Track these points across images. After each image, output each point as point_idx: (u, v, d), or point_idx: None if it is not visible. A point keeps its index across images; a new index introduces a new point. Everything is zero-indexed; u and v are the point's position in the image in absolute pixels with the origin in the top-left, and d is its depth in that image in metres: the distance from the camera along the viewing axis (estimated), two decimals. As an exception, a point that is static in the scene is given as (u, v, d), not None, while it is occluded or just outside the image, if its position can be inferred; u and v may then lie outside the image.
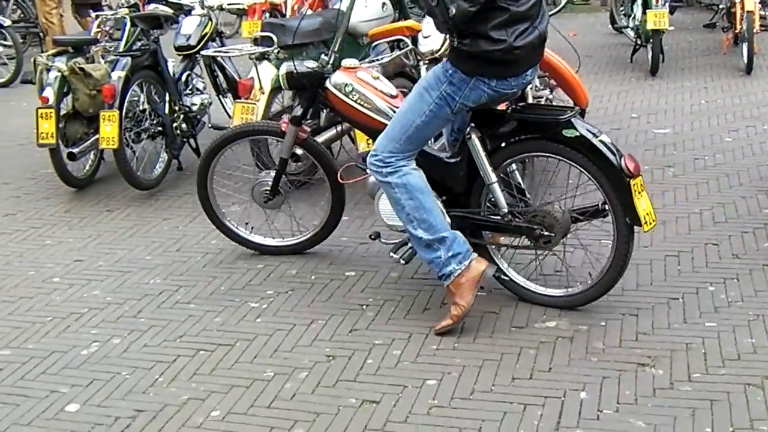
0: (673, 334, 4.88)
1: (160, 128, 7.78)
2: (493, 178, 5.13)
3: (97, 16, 8.49)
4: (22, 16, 15.34)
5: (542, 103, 7.37)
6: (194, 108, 8.11)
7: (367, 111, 5.52)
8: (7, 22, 13.48)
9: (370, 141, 5.77)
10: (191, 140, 8.04)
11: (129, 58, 7.52)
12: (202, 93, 8.31)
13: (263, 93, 6.98)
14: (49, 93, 7.49)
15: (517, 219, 5.19)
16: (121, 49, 8.02)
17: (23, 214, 7.42)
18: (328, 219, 6.11)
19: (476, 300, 5.07)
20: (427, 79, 5.05)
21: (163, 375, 4.76)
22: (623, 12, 12.50)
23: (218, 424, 4.29)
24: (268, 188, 6.09)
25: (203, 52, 8.02)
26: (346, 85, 5.57)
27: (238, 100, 7.12)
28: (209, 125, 8.45)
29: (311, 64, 5.79)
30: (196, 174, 6.25)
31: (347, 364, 4.76)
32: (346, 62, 5.68)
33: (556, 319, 5.08)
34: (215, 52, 7.85)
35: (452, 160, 5.33)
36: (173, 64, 8.12)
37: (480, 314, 5.15)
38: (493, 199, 5.23)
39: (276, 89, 7.05)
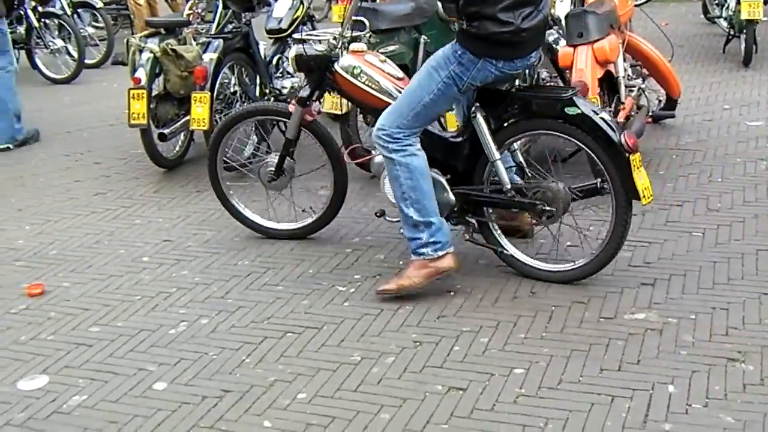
0: (765, 330, 4.78)
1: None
2: (497, 155, 5.31)
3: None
4: (112, -3, 15.54)
5: (634, 92, 7.29)
6: (284, 91, 8.11)
7: (374, 92, 5.65)
8: (99, 4, 13.67)
9: (459, 124, 5.81)
10: (281, 123, 8.04)
11: (221, 41, 7.58)
12: (292, 76, 8.32)
13: (354, 77, 6.96)
14: (141, 74, 7.55)
15: (519, 195, 5.39)
16: (212, 32, 8.07)
17: (113, 194, 7.50)
18: (331, 202, 6.18)
19: (564, 289, 5.07)
20: (437, 58, 5.22)
21: (250, 356, 4.78)
22: (716, 2, 12.29)
23: (304, 406, 4.29)
24: (273, 169, 6.18)
25: (294, 36, 8.02)
26: (355, 67, 5.70)
27: (329, 85, 7.11)
28: (299, 109, 8.41)
29: (320, 48, 5.98)
30: (208, 154, 6.43)
31: (434, 350, 4.74)
32: (355, 46, 5.84)
33: (645, 310, 5.01)
34: (307, 35, 7.84)
35: (457, 140, 5.52)
36: (264, 46, 8.15)
37: (568, 304, 5.11)
38: (496, 177, 5.39)
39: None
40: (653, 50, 7.60)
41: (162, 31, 7.94)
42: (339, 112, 6.94)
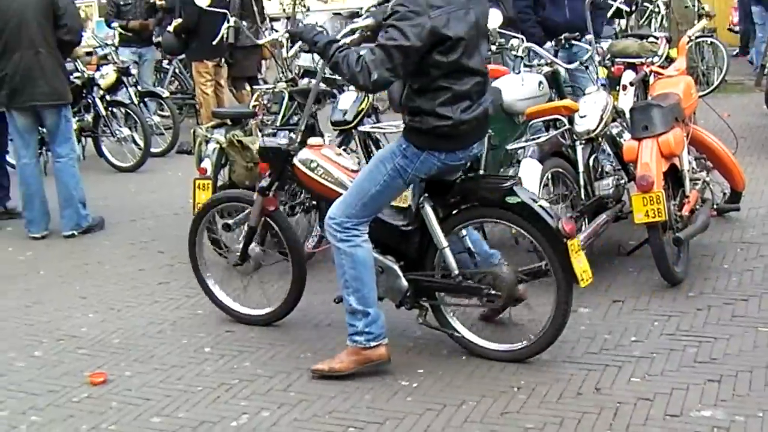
0: (837, 429, 4.69)
1: (314, 202, 7.82)
2: (445, 243, 5.57)
3: (254, 90, 8.63)
4: (179, 87, 15.80)
5: (699, 185, 7.25)
6: (351, 182, 8.12)
7: (329, 184, 5.93)
8: (166, 93, 13.89)
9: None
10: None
11: (287, 132, 7.61)
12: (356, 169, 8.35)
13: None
14: (207, 164, 7.65)
15: (467, 280, 5.60)
16: (278, 123, 8.15)
17: (177, 283, 7.55)
18: (289, 292, 6.38)
19: (630, 386, 5.03)
20: (384, 151, 5.61)
21: (312, 450, 4.75)
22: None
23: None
24: (238, 254, 6.40)
25: (360, 128, 8.07)
26: (311, 161, 5.98)
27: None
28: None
29: (282, 141, 6.24)
30: (188, 239, 6.70)
31: (498, 447, 4.69)
32: (312, 140, 6.10)
33: (712, 408, 4.92)
34: (372, 128, 7.90)
35: (408, 228, 5.78)
36: (329, 138, 8.18)
37: (633, 400, 5.04)
38: (445, 263, 5.62)
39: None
40: (717, 142, 7.58)
41: (228, 122, 8.04)
42: (403, 205, 6.93)
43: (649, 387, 5.20)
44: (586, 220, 6.83)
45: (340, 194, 5.68)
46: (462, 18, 5.19)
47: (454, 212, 5.63)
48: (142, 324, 6.72)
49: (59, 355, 6.29)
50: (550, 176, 6.78)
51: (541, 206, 5.41)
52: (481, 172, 6.85)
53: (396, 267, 5.74)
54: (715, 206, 7.72)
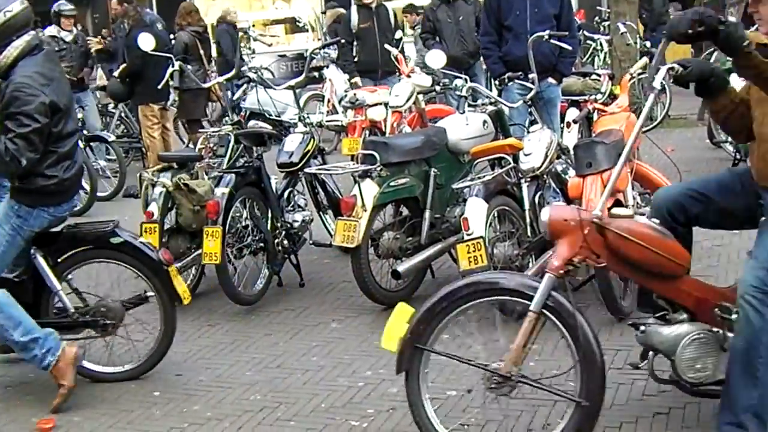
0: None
1: (262, 244, 7.83)
2: (58, 286, 6.17)
3: (201, 133, 8.63)
4: (125, 131, 15.72)
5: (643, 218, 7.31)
6: (296, 225, 8.17)
7: None
8: (112, 137, 13.81)
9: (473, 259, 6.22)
10: (292, 256, 8.08)
11: (233, 175, 7.62)
12: (303, 210, 8.37)
13: (365, 210, 7.01)
14: (154, 208, 7.64)
15: (84, 316, 6.23)
16: (224, 166, 8.16)
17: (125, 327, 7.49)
18: (161, 340, 6.45)
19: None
20: None
21: (263, 494, 4.74)
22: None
23: None
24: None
25: (307, 170, 8.09)
26: None
27: (340, 218, 7.15)
28: (310, 242, 8.50)
29: None
30: None
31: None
32: None
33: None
34: (319, 169, 7.92)
35: (19, 278, 6.22)
36: (276, 180, 8.21)
37: None
38: (61, 304, 6.26)
39: (378, 207, 7.11)
40: (661, 177, 7.64)
41: (174, 165, 8.03)
42: (351, 245, 6.98)
43: (599, 421, 5.21)
44: (533, 256, 6.88)
45: None
46: (63, 89, 5.97)
47: (63, 258, 6.24)
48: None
49: (6, 402, 6.22)
50: (496, 214, 6.84)
51: (141, 242, 6.33)
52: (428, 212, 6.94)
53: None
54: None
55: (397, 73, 13.10)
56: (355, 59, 13.71)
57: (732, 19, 4.00)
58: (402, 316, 4.81)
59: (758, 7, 4.57)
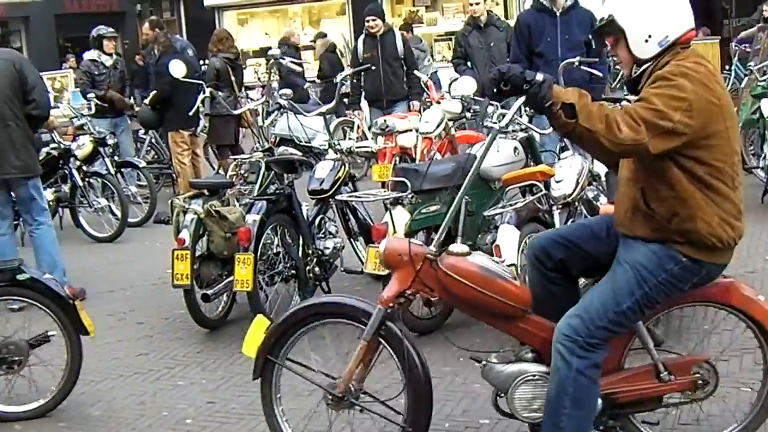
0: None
1: (293, 271, 7.84)
2: None
3: (233, 160, 8.65)
4: (155, 157, 15.80)
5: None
6: (327, 251, 8.16)
7: None
8: (143, 163, 13.89)
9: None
10: (323, 283, 8.08)
11: (265, 202, 7.64)
12: (334, 237, 8.38)
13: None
14: (185, 235, 7.65)
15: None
16: (255, 193, 8.17)
17: (156, 354, 7.52)
18: (66, 379, 6.47)
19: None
20: None
21: None
22: (753, 152, 12.35)
23: None
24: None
25: (338, 197, 8.10)
26: None
27: (371, 245, 7.16)
28: (341, 269, 8.48)
29: None
30: None
31: None
32: None
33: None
34: (350, 197, 7.93)
35: None
36: (307, 207, 8.22)
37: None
38: None
39: (409, 234, 7.10)
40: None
41: (206, 192, 8.05)
42: (382, 273, 6.97)
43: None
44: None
45: None
46: None
47: None
48: (122, 396, 6.69)
49: (38, 429, 6.25)
50: (527, 241, 6.81)
51: (47, 278, 6.42)
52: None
53: None
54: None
55: (406, 100, 13.22)
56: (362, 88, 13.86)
57: (539, 77, 4.05)
58: (260, 326, 5.17)
59: (617, 50, 4.62)
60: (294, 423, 5.42)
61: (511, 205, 6.90)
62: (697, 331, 6.77)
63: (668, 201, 4.45)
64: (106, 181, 12.59)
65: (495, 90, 4.41)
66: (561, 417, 4.56)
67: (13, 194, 9.32)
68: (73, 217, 12.79)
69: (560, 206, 7.00)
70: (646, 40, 4.48)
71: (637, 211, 4.54)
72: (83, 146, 12.49)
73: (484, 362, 4.90)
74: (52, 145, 12.25)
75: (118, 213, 12.42)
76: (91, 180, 12.63)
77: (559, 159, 7.53)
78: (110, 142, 13.01)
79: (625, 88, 4.42)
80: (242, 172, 8.68)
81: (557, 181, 7.04)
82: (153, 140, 15.69)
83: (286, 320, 5.12)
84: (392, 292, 4.79)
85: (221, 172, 12.51)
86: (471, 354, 5.11)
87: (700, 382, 4.87)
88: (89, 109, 13.91)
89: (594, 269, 4.86)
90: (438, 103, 11.59)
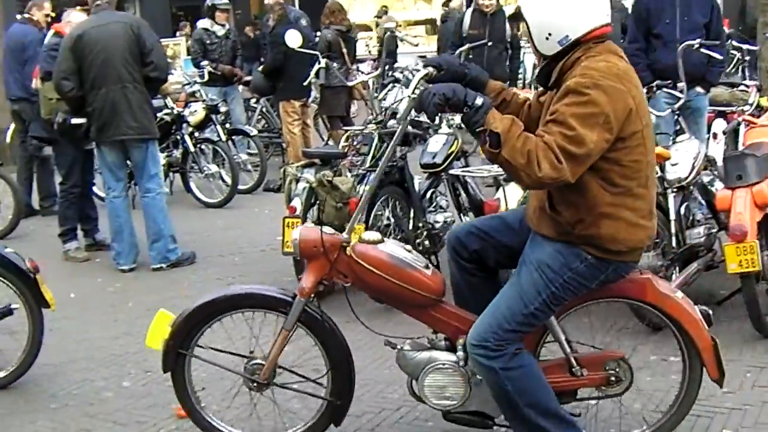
0: None
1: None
2: None
3: (346, 131, 8.67)
4: (266, 126, 15.91)
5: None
6: (437, 225, 8.16)
7: None
8: (254, 132, 14.03)
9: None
10: (433, 257, 8.08)
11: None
12: (445, 211, 8.38)
13: (509, 214, 6.98)
14: (297, 203, 7.71)
15: None
16: (368, 164, 8.20)
17: (263, 319, 7.56)
18: (27, 352, 6.56)
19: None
20: None
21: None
22: None
23: None
24: None
25: (450, 171, 8.09)
26: None
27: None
28: (449, 244, 8.43)
29: None
30: None
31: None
32: None
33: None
34: (463, 171, 7.90)
35: None
36: (419, 181, 8.22)
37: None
38: None
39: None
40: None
41: (318, 161, 8.10)
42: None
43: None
44: (677, 268, 6.77)
45: None
46: None
47: None
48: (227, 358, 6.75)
49: (147, 387, 6.38)
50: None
51: (8, 251, 6.46)
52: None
53: None
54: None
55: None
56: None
57: (479, 101, 4.00)
58: (163, 320, 5.23)
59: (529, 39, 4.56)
60: (215, 408, 5.74)
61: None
62: (613, 327, 6.68)
63: (575, 206, 4.39)
64: (217, 148, 12.76)
65: (437, 111, 4.39)
66: (522, 412, 4.57)
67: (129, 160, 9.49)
68: (184, 182, 12.98)
69: (675, 189, 6.90)
70: (547, 38, 4.42)
71: (544, 211, 4.50)
72: (195, 113, 12.68)
73: (398, 347, 4.98)
74: (165, 111, 12.44)
75: (228, 179, 12.56)
76: (203, 146, 12.81)
77: (674, 142, 7.44)
78: (222, 109, 13.19)
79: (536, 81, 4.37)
80: (355, 143, 8.70)
81: (672, 164, 6.95)
82: (264, 109, 15.81)
83: (200, 310, 5.18)
84: (310, 282, 4.91)
85: (331, 142, 12.57)
86: (386, 339, 5.15)
87: (613, 378, 4.84)
88: (201, 77, 14.08)
89: (509, 260, 4.83)
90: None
